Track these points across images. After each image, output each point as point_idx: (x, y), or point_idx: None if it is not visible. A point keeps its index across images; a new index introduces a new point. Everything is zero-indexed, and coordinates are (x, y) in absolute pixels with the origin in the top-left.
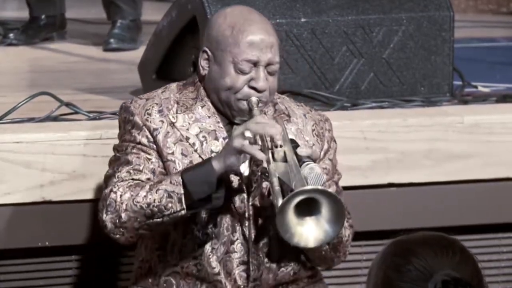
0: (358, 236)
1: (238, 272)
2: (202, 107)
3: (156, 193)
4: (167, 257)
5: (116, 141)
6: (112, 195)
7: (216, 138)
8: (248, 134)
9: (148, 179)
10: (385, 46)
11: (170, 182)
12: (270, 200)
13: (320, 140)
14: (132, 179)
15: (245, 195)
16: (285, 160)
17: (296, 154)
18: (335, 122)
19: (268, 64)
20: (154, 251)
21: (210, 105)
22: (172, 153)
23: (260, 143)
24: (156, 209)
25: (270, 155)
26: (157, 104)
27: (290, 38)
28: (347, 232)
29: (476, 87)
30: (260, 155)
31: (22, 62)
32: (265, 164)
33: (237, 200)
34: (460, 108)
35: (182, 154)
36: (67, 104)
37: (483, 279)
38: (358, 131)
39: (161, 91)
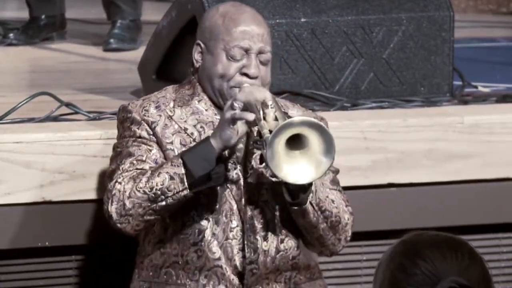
0: (358, 236)
1: (238, 257)
2: (199, 101)
3: (158, 176)
4: (167, 248)
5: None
6: (117, 186)
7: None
8: (236, 104)
9: (151, 167)
10: (385, 46)
11: (171, 165)
12: (266, 184)
13: None
14: (136, 169)
15: (241, 180)
16: (276, 120)
17: (287, 114)
18: (335, 122)
19: (260, 53)
20: (155, 244)
21: (207, 99)
22: (171, 143)
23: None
24: (159, 192)
25: (262, 116)
26: (154, 101)
27: (290, 38)
28: (346, 216)
29: (476, 87)
30: (251, 115)
31: (22, 62)
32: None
33: (234, 185)
34: (460, 108)
35: (181, 144)
36: (67, 104)
37: (492, 282)
38: (358, 131)
39: (157, 92)
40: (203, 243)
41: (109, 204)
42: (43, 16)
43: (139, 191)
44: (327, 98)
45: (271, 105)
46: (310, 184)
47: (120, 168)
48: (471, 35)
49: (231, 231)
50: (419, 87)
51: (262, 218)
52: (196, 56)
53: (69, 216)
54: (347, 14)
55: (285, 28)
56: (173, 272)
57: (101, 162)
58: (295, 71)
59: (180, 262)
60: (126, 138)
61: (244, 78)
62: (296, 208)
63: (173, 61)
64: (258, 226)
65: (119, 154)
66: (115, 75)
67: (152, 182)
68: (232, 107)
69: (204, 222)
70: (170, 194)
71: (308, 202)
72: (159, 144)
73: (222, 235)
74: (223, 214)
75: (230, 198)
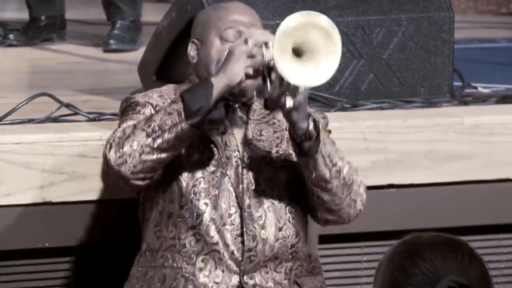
0: (358, 237)
1: (235, 244)
2: None
3: (156, 114)
4: (163, 231)
5: None
6: (116, 134)
7: None
8: (250, 41)
9: None
10: (385, 47)
11: (171, 103)
12: (265, 171)
13: None
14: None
15: (240, 168)
16: None
17: None
18: (335, 123)
19: None
20: (152, 228)
21: None
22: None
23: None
24: (157, 128)
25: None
26: (156, 91)
27: None
28: (358, 178)
29: (476, 88)
30: (269, 36)
31: (22, 63)
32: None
33: (233, 171)
34: (460, 109)
35: None
36: (67, 105)
37: (491, 283)
38: (358, 132)
39: (158, 88)
40: (201, 227)
41: (108, 149)
42: (43, 17)
43: (137, 129)
44: (327, 99)
45: (272, 46)
46: (317, 134)
47: (121, 126)
48: (471, 36)
49: (229, 217)
50: (419, 88)
51: (260, 206)
52: (192, 53)
53: (69, 217)
54: (347, 15)
55: None
56: (169, 255)
57: (101, 163)
58: None
59: (176, 246)
60: (130, 115)
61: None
62: (306, 159)
63: (173, 62)
64: (256, 214)
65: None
66: (115, 76)
67: (150, 120)
68: (245, 42)
69: (202, 206)
70: (166, 127)
71: (318, 152)
72: None
73: (220, 220)
74: (222, 200)
75: (229, 185)
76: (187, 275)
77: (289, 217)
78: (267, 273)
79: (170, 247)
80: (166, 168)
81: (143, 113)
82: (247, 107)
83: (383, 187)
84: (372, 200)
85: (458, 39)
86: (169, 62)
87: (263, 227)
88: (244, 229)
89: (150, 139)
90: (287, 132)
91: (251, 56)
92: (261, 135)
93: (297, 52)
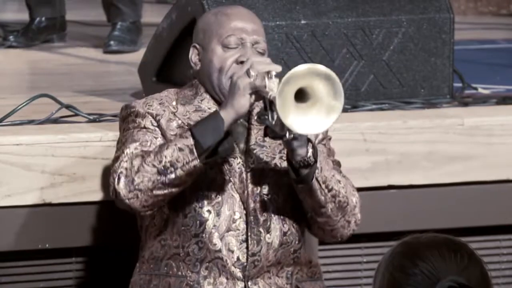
0: (358, 238)
1: (239, 249)
2: (201, 100)
3: (166, 150)
4: (168, 240)
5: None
6: (123, 164)
7: None
8: (253, 72)
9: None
10: (385, 48)
11: (180, 137)
12: (269, 176)
13: None
14: (142, 150)
15: (244, 173)
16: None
17: None
18: (336, 124)
19: (255, 43)
20: (156, 237)
21: (210, 98)
22: (175, 135)
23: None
24: (168, 164)
25: (267, 84)
26: (157, 99)
27: (290, 40)
28: (353, 198)
29: (476, 89)
30: (276, 67)
31: (22, 64)
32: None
33: (236, 177)
34: (460, 110)
35: None
36: (67, 106)
37: (491, 283)
38: (358, 133)
39: (158, 93)
40: (204, 235)
41: (116, 182)
42: (43, 18)
43: (148, 165)
44: None
45: (275, 75)
46: (314, 161)
47: (125, 152)
48: (471, 37)
49: (233, 222)
50: (419, 89)
51: (265, 211)
52: (194, 58)
53: (69, 218)
54: (347, 16)
55: (285, 30)
56: (173, 264)
57: (101, 164)
58: None
59: (181, 254)
60: (131, 130)
61: (241, 66)
62: (302, 186)
63: (173, 63)
64: (261, 218)
65: (124, 143)
66: (115, 77)
67: (161, 156)
68: (248, 75)
69: (205, 214)
70: (179, 165)
71: (314, 178)
72: (164, 136)
73: (223, 227)
74: (226, 206)
75: (233, 191)
76: (191, 283)
77: (293, 222)
78: (270, 278)
79: (174, 255)
80: None
81: (144, 126)
82: (248, 112)
83: (383, 188)
84: (372, 201)
85: (458, 40)
86: (169, 64)
87: (268, 231)
88: (249, 234)
89: (162, 177)
90: None
91: (254, 87)
92: (264, 141)
93: (300, 95)
